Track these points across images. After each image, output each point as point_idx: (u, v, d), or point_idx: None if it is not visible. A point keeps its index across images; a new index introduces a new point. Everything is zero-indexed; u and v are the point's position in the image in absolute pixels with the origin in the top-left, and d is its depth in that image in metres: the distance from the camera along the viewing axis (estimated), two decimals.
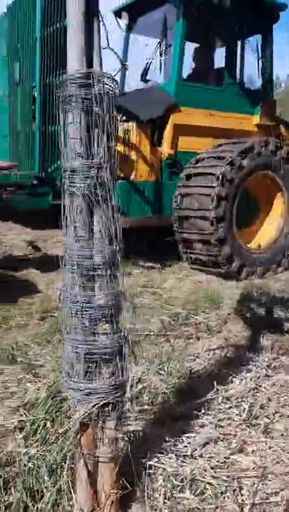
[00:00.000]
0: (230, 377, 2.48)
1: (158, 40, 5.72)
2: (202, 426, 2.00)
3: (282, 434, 2.02)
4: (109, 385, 1.50)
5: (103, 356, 1.51)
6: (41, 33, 4.30)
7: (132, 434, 1.89)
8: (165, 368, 2.60)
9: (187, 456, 1.77)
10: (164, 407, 2.15)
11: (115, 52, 5.31)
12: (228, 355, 2.94)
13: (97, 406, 1.47)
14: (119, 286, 1.54)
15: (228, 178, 4.87)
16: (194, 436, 1.91)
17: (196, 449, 1.82)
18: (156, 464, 1.71)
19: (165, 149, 5.45)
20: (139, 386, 2.34)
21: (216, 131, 5.69)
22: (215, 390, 2.22)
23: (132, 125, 5.24)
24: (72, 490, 1.57)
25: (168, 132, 5.43)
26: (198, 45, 6.19)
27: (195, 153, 5.44)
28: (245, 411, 2.06)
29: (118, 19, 6.32)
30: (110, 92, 1.45)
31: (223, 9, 5.20)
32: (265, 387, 2.44)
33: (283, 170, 5.34)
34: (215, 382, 2.28)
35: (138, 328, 3.40)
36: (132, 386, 2.30)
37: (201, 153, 5.35)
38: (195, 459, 1.78)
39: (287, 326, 3.51)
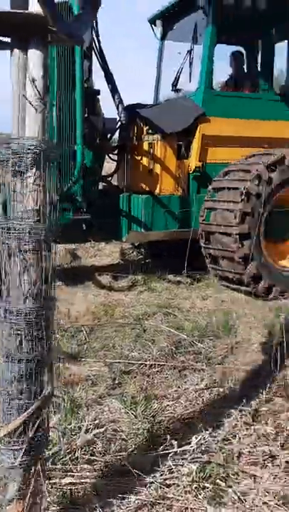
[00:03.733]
0: (201, 425, 2.30)
1: (188, 49, 5.53)
2: (145, 485, 1.86)
3: (234, 502, 1.82)
4: None
5: None
6: (57, 52, 4.32)
7: (64, 489, 1.81)
8: (138, 409, 2.47)
9: None
10: (114, 459, 2.04)
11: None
12: (217, 394, 2.75)
13: None
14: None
15: (254, 193, 4.59)
16: (129, 498, 1.77)
17: None
18: None
19: (192, 161, 5.26)
20: (98, 430, 2.24)
21: (252, 141, 5.39)
22: (169, 443, 2.06)
23: (156, 137, 5.12)
24: None
25: (196, 144, 5.24)
26: (231, 51, 5.91)
27: (227, 164, 5.20)
28: (194, 471, 1.88)
29: (153, 27, 6.23)
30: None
31: (255, 14, 4.92)
32: (239, 439, 2.24)
33: None
34: (169, 435, 2.11)
35: (134, 357, 3.30)
36: (87, 430, 2.21)
37: (231, 166, 5.10)
38: None
39: None
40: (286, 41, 5.70)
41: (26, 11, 1.31)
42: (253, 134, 5.40)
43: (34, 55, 1.34)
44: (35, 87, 1.33)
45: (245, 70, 6.04)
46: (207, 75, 5.20)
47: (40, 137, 1.38)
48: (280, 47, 5.70)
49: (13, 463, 1.45)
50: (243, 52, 6.13)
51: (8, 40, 1.40)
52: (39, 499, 1.50)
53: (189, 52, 5.51)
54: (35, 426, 1.48)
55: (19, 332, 1.43)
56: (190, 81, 5.54)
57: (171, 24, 6.00)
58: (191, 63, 5.49)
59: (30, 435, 1.47)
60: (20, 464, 1.45)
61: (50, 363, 1.51)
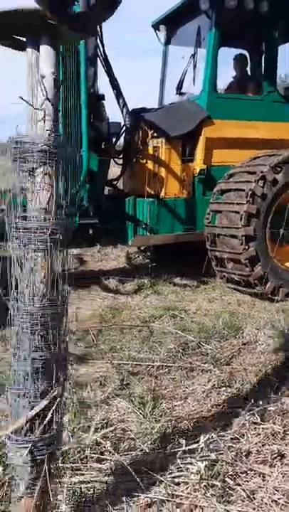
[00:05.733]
0: (209, 425, 2.31)
1: (191, 53, 5.57)
2: (154, 483, 1.87)
3: (243, 500, 1.82)
4: None
5: None
6: (62, 58, 4.38)
7: (74, 487, 1.82)
8: (146, 409, 2.48)
9: None
10: (123, 458, 2.05)
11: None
12: (224, 394, 2.75)
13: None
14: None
15: (259, 194, 4.60)
16: (138, 496, 1.78)
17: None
18: None
19: (197, 164, 5.29)
20: (107, 429, 2.26)
21: (256, 143, 5.41)
22: (177, 442, 2.07)
23: (161, 141, 5.15)
24: None
25: (200, 146, 5.27)
26: (234, 54, 5.95)
27: (232, 166, 5.22)
28: (203, 470, 1.88)
29: (157, 32, 6.28)
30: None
31: (258, 16, 4.96)
32: (247, 438, 2.24)
33: None
34: (177, 434, 2.12)
35: (142, 358, 3.31)
36: (97, 429, 2.23)
37: (235, 168, 5.12)
38: None
39: None
40: None
41: (32, 7, 1.33)
42: (257, 136, 5.43)
43: (44, 52, 1.37)
44: (45, 84, 1.35)
45: (249, 73, 6.07)
46: (211, 78, 5.24)
47: (51, 135, 1.39)
48: (283, 49, 5.72)
49: (21, 461, 1.46)
50: (247, 54, 6.16)
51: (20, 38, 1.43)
52: (48, 497, 1.51)
53: (193, 55, 5.55)
54: (44, 424, 1.49)
55: (29, 331, 1.45)
56: (194, 84, 5.58)
57: (174, 28, 6.06)
58: (195, 67, 5.53)
59: (37, 433, 1.48)
60: (28, 462, 1.46)
61: (61, 363, 1.52)
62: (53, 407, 1.49)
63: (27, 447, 1.46)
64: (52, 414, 1.50)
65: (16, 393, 1.47)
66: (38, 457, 1.47)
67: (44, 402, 1.48)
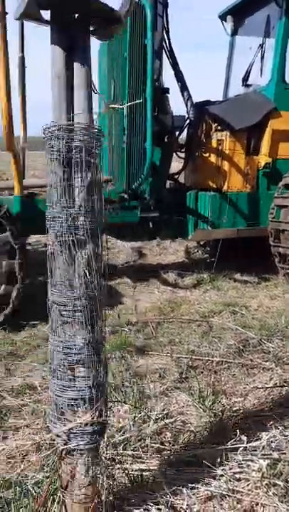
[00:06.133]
0: (271, 423, 2.25)
1: (259, 43, 5.41)
2: (214, 477, 1.86)
3: None
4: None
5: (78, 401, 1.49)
6: (129, 52, 4.41)
7: (134, 474, 1.85)
8: (206, 402, 2.47)
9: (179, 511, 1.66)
10: (182, 449, 2.06)
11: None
12: (287, 393, 2.68)
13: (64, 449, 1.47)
14: (96, 334, 1.49)
15: None
16: (199, 488, 1.78)
17: (194, 504, 1.71)
18: None
19: (262, 157, 5.14)
20: (167, 421, 2.27)
21: None
22: (238, 438, 2.04)
23: (225, 134, 5.06)
24: None
25: (266, 139, 5.11)
26: None
27: None
28: (265, 468, 1.84)
29: (224, 23, 6.16)
30: (89, 145, 1.42)
31: None
32: None
33: None
34: (238, 430, 2.09)
35: (201, 352, 3.29)
36: (157, 420, 2.25)
37: None
38: None
39: None
40: None
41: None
42: None
43: (78, 40, 1.38)
44: (81, 73, 1.36)
45: None
46: (279, 68, 5.06)
47: (86, 125, 1.39)
48: None
49: (76, 449, 1.48)
50: None
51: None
52: (104, 485, 1.53)
53: (261, 46, 5.39)
54: (91, 413, 1.49)
55: (66, 321, 1.46)
56: (261, 75, 5.42)
57: (242, 19, 5.91)
58: (262, 57, 5.36)
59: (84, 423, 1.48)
60: (79, 450, 1.48)
61: (100, 353, 1.52)
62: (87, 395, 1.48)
63: (78, 435, 1.47)
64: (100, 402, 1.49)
65: (57, 382, 1.50)
66: (87, 445, 1.48)
67: (87, 391, 1.48)
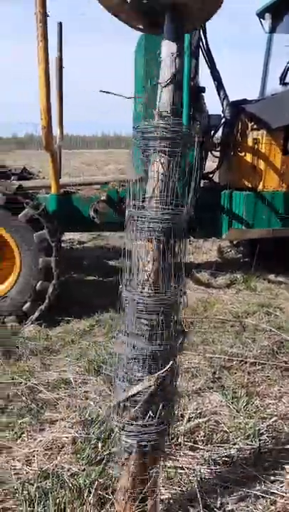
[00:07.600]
0: None
1: None
2: (248, 478, 1.85)
3: None
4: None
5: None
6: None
7: (168, 471, 1.87)
8: (239, 404, 2.47)
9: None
10: (214, 449, 2.06)
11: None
12: None
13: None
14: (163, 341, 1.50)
15: None
16: (232, 488, 1.79)
17: (227, 504, 1.71)
18: None
19: None
20: (200, 420, 2.28)
21: None
22: (272, 440, 2.02)
23: (262, 133, 5.00)
24: None
25: None
26: None
27: None
28: None
29: (262, 20, 6.08)
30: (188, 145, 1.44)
31: None
32: None
33: None
34: (271, 433, 2.07)
35: (234, 353, 3.28)
36: (190, 419, 2.26)
37: None
38: None
39: None
40: None
41: None
42: None
43: (166, 36, 1.41)
44: (165, 68, 1.38)
45: None
46: None
47: (169, 121, 1.39)
48: None
49: (129, 447, 1.51)
50: None
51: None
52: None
53: None
54: (152, 410, 1.50)
55: (139, 318, 1.46)
56: None
57: (280, 16, 5.81)
58: None
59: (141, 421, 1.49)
60: (133, 448, 1.50)
61: (169, 352, 1.52)
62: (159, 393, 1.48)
63: (134, 434, 1.49)
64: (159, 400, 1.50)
65: (118, 377, 1.52)
66: (142, 443, 1.50)
67: (138, 388, 1.48)
